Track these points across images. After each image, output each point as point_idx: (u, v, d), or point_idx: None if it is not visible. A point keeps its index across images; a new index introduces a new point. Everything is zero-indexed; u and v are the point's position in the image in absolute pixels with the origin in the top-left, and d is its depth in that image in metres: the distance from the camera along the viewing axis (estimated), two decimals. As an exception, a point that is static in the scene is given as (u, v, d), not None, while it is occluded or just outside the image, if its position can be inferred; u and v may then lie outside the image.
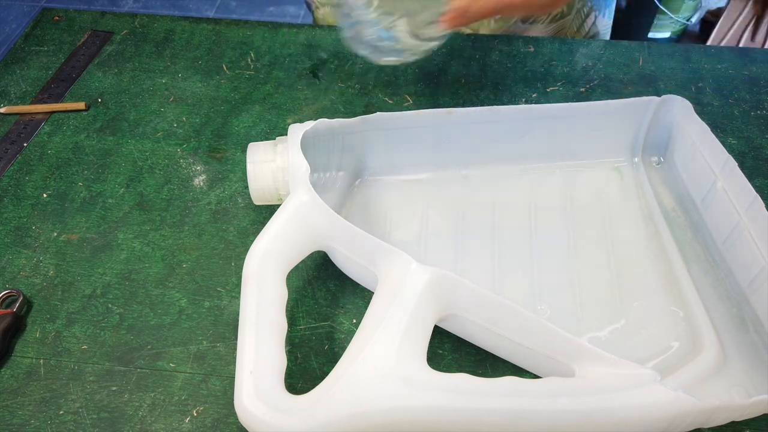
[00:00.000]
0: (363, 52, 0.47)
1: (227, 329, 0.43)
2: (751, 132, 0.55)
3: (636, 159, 0.52)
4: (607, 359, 0.35)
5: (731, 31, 1.59)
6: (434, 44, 0.47)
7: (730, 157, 0.43)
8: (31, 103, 0.58)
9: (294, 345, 0.42)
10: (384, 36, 0.46)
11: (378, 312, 0.36)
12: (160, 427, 0.39)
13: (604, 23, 0.74)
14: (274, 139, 0.45)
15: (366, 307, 0.37)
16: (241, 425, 0.33)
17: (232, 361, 0.41)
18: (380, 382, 0.33)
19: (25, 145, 0.55)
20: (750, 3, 1.55)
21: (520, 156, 0.50)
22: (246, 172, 0.44)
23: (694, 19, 1.64)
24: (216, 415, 0.39)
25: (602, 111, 0.49)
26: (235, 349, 0.41)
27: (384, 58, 0.47)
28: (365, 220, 0.48)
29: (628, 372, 0.35)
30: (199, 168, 0.53)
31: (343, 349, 0.42)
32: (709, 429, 0.38)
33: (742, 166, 0.42)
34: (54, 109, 0.57)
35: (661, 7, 1.47)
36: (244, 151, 0.54)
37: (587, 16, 0.70)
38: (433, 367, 0.34)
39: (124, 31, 0.65)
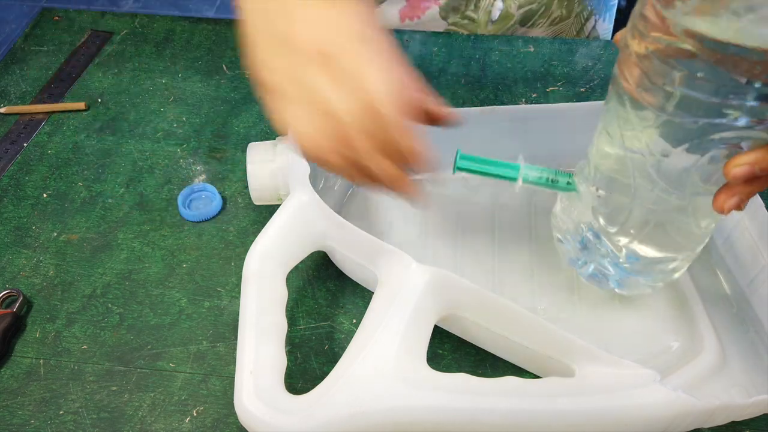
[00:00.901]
0: (609, 286, 0.42)
1: (227, 329, 0.43)
2: (751, 132, 0.55)
3: (636, 159, 0.52)
4: (607, 359, 0.35)
5: (731, 32, 1.58)
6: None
7: (730, 157, 0.43)
8: (31, 103, 0.58)
9: (294, 345, 0.42)
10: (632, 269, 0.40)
11: (378, 312, 0.35)
12: (160, 427, 0.39)
13: (605, 27, 0.73)
14: (274, 139, 0.45)
15: (366, 307, 0.37)
16: (241, 425, 0.33)
17: (232, 361, 0.41)
18: (380, 382, 0.33)
19: (25, 145, 0.55)
20: (750, 3, 1.55)
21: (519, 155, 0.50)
22: (246, 172, 0.44)
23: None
24: (216, 415, 0.39)
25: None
26: (235, 349, 0.41)
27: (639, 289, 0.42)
28: (365, 220, 0.48)
29: (628, 372, 0.35)
30: (199, 168, 0.53)
31: (343, 349, 0.41)
32: (709, 429, 0.38)
33: (742, 166, 0.42)
34: (54, 109, 0.57)
35: (661, 7, 1.47)
36: (244, 151, 0.54)
37: (587, 20, 0.70)
38: (433, 367, 0.34)
39: (124, 31, 0.65)
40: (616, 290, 0.42)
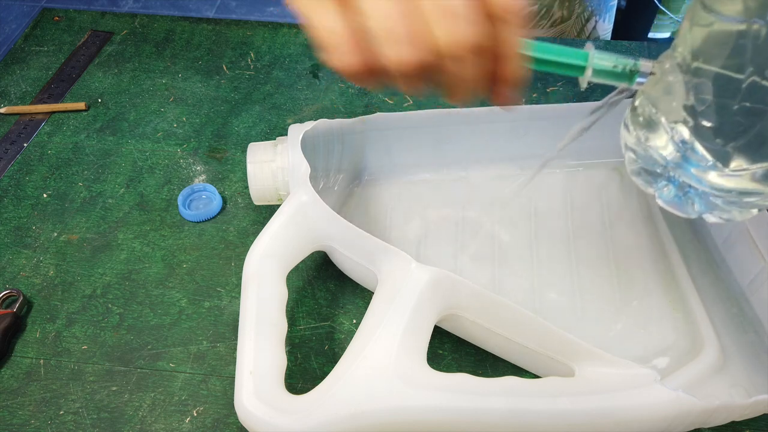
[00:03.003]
0: (696, 212, 0.34)
1: (227, 329, 0.43)
2: (751, 132, 0.55)
3: (636, 159, 0.52)
4: (607, 359, 0.35)
5: (731, 32, 1.58)
6: None
7: (730, 157, 0.43)
8: (31, 103, 0.58)
9: (294, 345, 0.42)
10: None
11: (378, 312, 0.36)
12: (160, 427, 0.39)
13: (605, 28, 0.74)
14: (274, 139, 0.45)
15: (366, 307, 0.37)
16: (241, 425, 0.33)
17: (232, 361, 0.41)
18: (380, 382, 0.33)
19: (25, 145, 0.55)
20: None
21: (520, 156, 0.50)
22: (246, 172, 0.44)
23: (694, 20, 1.63)
24: (216, 415, 0.39)
25: (602, 111, 0.49)
26: (235, 349, 0.41)
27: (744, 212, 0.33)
28: (365, 220, 0.48)
29: (628, 372, 0.35)
30: (199, 168, 0.53)
31: (343, 349, 0.42)
32: (709, 429, 0.38)
33: (742, 166, 0.42)
34: (54, 109, 0.57)
35: (661, 7, 1.47)
36: (244, 151, 0.54)
37: (587, 20, 0.70)
38: (433, 367, 0.34)
39: (124, 31, 0.65)
40: (703, 215, 0.34)
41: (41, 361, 0.41)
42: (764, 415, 0.38)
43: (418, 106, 0.57)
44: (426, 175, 0.51)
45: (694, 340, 0.41)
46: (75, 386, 0.40)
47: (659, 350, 0.41)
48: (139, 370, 0.41)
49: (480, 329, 0.38)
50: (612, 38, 0.76)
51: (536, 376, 0.40)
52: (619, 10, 0.77)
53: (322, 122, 0.44)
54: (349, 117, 0.46)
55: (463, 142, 0.49)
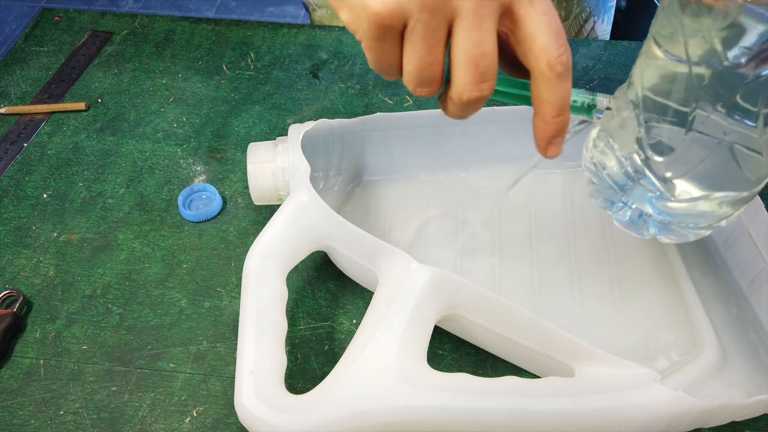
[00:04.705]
0: (658, 235, 0.37)
1: (227, 329, 0.43)
2: (751, 132, 0.55)
3: (636, 159, 0.52)
4: (607, 359, 0.35)
5: (731, 32, 1.58)
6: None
7: (730, 157, 0.43)
8: (31, 103, 0.58)
9: (294, 345, 0.42)
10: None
11: (378, 312, 0.36)
12: (160, 427, 0.39)
13: (603, 29, 0.73)
14: (274, 139, 0.45)
15: (366, 307, 0.37)
16: (241, 425, 0.33)
17: (232, 361, 0.41)
18: (380, 382, 0.33)
19: (25, 145, 0.55)
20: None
21: (520, 156, 0.50)
22: (246, 172, 0.44)
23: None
24: (216, 415, 0.39)
25: (602, 111, 0.49)
26: (235, 349, 0.41)
27: (699, 233, 0.36)
28: (365, 220, 0.48)
29: (628, 372, 0.35)
30: (199, 168, 0.53)
31: (343, 349, 0.42)
32: (709, 429, 0.38)
33: (742, 166, 0.42)
34: (54, 110, 0.57)
35: (661, 7, 1.47)
36: (244, 151, 0.54)
37: (585, 21, 0.70)
38: (433, 367, 0.34)
39: (124, 32, 0.65)
40: (657, 237, 0.37)
41: (41, 361, 0.41)
42: (764, 415, 0.38)
43: (418, 106, 0.57)
44: (426, 175, 0.51)
45: (694, 340, 0.41)
46: (75, 386, 0.40)
47: (659, 350, 0.41)
48: (139, 370, 0.41)
49: (480, 329, 0.38)
50: (612, 38, 0.76)
51: (536, 376, 0.40)
52: (619, 10, 0.76)
53: (322, 122, 0.44)
54: (349, 117, 0.46)
55: (462, 143, 0.49)
